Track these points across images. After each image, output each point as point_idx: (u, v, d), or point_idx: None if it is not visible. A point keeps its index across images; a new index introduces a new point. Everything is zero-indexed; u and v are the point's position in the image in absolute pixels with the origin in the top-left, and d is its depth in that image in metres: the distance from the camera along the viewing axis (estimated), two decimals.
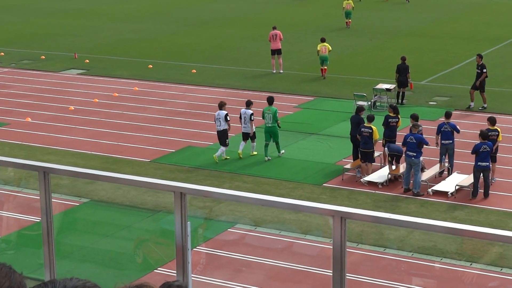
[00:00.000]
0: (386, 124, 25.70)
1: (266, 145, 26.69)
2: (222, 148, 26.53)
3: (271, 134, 26.71)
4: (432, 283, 19.23)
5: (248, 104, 27.19)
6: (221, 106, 26.78)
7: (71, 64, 41.93)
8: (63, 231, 20.27)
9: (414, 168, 23.50)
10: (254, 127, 27.00)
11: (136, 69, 40.29)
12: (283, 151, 27.08)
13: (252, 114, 26.79)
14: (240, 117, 26.96)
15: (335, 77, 37.75)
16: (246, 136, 27.10)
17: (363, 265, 18.90)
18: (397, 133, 25.64)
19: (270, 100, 27.24)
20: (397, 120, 25.61)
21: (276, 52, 38.75)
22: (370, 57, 42.16)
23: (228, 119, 26.49)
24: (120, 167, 25.47)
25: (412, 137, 23.72)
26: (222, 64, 41.08)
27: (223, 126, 26.45)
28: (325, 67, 37.76)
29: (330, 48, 37.73)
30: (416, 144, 23.54)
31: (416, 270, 19.18)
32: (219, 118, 26.49)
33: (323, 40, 37.91)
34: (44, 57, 43.55)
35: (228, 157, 26.67)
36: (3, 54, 44.54)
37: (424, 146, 23.85)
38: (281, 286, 17.90)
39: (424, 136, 25.41)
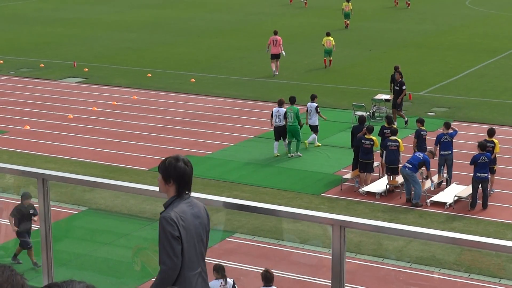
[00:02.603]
0: (382, 134, 25.72)
1: (289, 143, 27.97)
2: (285, 142, 27.96)
3: (293, 133, 27.79)
4: None
5: (313, 98, 29.02)
6: (281, 103, 27.95)
7: (70, 72, 41.94)
8: (62, 238, 20.25)
9: (410, 179, 23.37)
10: (317, 119, 28.83)
11: (135, 78, 40.31)
12: (300, 154, 27.95)
13: (317, 106, 28.78)
14: (272, 116, 27.96)
15: (334, 87, 37.80)
16: (312, 128, 28.93)
17: (362, 275, 18.87)
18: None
19: (293, 100, 28.34)
20: (396, 130, 25.53)
21: (275, 56, 40.63)
22: (369, 68, 42.20)
23: (287, 116, 27.67)
24: (118, 176, 25.46)
25: (421, 155, 23.62)
26: (220, 74, 41.12)
27: (283, 122, 27.67)
28: (330, 59, 41.92)
29: (334, 43, 41.59)
30: (417, 163, 23.41)
31: (415, 280, 19.16)
32: (279, 115, 27.66)
33: (328, 34, 41.97)
34: (43, 65, 43.56)
35: (279, 154, 27.91)
36: (2, 62, 44.56)
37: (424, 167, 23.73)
38: None
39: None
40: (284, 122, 27.70)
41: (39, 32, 54.80)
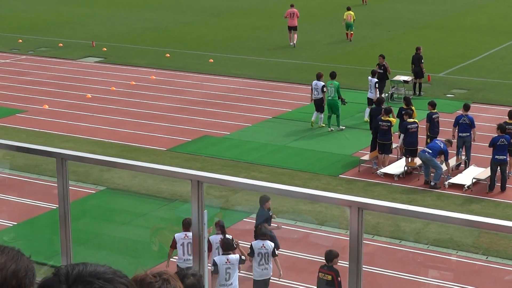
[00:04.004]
0: (400, 116, 25.61)
1: (329, 117, 28.66)
2: (321, 116, 28.85)
3: (332, 107, 28.55)
4: (448, 276, 19.18)
5: (374, 73, 29.87)
6: (319, 77, 28.84)
7: (89, 52, 42.01)
8: (80, 218, 20.33)
9: (430, 164, 23.25)
10: (378, 93, 29.16)
11: (153, 58, 40.33)
12: (343, 127, 28.67)
13: (377, 82, 29.38)
14: (312, 89, 28.97)
15: (352, 68, 37.67)
16: (370, 102, 29.12)
17: (379, 256, 18.87)
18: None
19: (333, 75, 29.04)
20: (411, 112, 25.33)
21: (292, 28, 42.23)
22: (388, 49, 41.95)
23: (325, 90, 28.51)
24: (137, 156, 25.50)
25: (441, 144, 23.48)
26: (238, 54, 41.07)
27: (321, 95, 28.57)
28: (351, 32, 43.80)
29: (355, 18, 43.54)
30: (437, 151, 23.29)
31: (432, 262, 19.13)
32: (317, 88, 28.66)
33: (348, 9, 44.01)
34: (62, 44, 43.65)
35: (324, 125, 28.81)
36: (21, 41, 44.69)
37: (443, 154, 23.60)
38: (296, 277, 17.90)
39: (441, 128, 25.34)
40: (322, 95, 28.36)
41: (58, 11, 54.88)
